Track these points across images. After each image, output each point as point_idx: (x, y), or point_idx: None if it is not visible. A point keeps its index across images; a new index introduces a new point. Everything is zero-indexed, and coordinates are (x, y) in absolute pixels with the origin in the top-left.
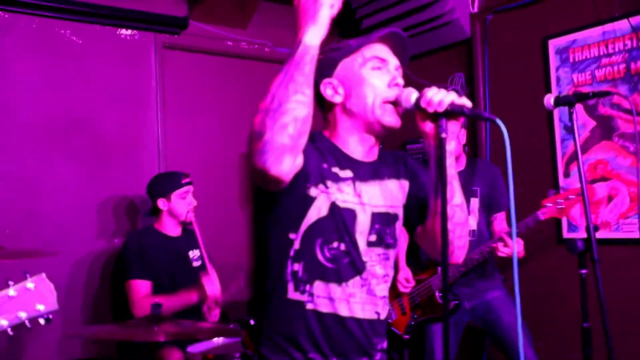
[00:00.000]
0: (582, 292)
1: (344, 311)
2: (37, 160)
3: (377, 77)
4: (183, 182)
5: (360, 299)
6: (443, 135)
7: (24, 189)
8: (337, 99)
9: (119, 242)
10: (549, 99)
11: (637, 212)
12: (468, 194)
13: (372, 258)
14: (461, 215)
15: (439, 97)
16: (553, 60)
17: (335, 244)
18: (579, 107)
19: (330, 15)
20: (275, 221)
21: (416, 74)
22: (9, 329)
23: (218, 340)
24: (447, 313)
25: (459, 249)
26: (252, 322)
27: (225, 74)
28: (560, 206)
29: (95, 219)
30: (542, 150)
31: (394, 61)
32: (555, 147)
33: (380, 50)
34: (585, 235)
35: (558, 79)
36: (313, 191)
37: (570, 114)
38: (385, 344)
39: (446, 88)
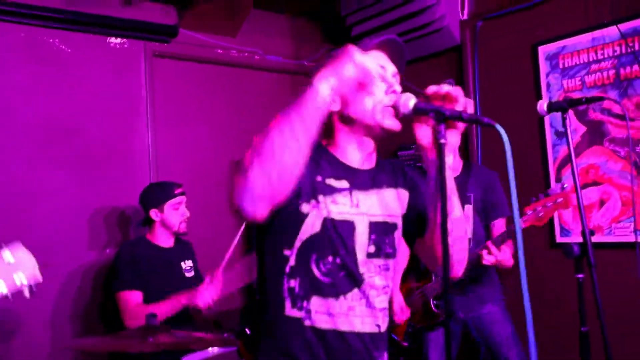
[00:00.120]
0: (579, 296)
1: (343, 326)
2: (27, 170)
3: (374, 84)
4: (176, 192)
5: (360, 312)
6: (442, 141)
7: (13, 199)
8: (334, 107)
9: (110, 253)
10: (542, 105)
11: (629, 217)
12: (462, 200)
13: (370, 269)
14: (460, 229)
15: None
16: (543, 67)
17: (330, 259)
18: (569, 113)
19: (354, 79)
20: (269, 238)
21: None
22: None
23: (213, 350)
24: (448, 324)
25: (458, 263)
26: (248, 331)
27: (215, 82)
28: (540, 214)
29: (85, 229)
30: (534, 156)
31: (391, 68)
32: (546, 153)
33: (378, 57)
34: (578, 239)
35: (548, 85)
36: (305, 207)
37: (564, 119)
38: (386, 356)
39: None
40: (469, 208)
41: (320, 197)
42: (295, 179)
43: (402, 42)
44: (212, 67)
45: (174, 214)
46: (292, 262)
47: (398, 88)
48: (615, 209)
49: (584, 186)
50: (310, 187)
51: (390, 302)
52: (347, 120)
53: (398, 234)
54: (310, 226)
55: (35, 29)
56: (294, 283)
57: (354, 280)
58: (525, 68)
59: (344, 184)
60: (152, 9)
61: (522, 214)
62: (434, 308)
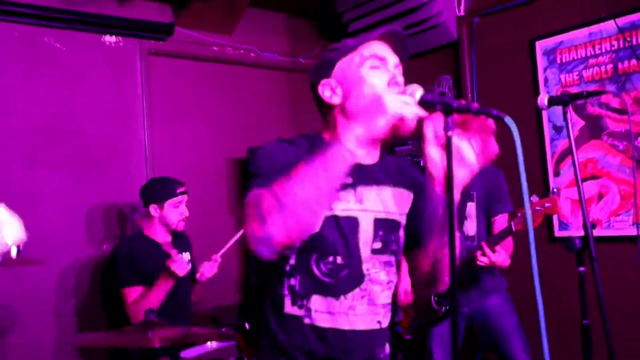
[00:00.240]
0: (580, 289)
1: (344, 324)
2: (23, 168)
3: (376, 76)
4: (178, 191)
5: (361, 311)
6: (449, 133)
7: (10, 197)
8: (336, 100)
9: (107, 250)
10: (543, 99)
11: (627, 210)
12: (465, 198)
13: (375, 265)
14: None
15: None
16: (540, 62)
17: (330, 259)
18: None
19: (386, 130)
20: None
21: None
22: None
23: (212, 345)
24: (456, 322)
25: (444, 284)
26: (247, 325)
27: (211, 80)
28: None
29: (83, 227)
30: (532, 151)
31: (393, 59)
32: (544, 147)
33: (379, 48)
34: (578, 233)
35: (546, 80)
36: None
37: (565, 113)
38: (387, 350)
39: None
40: (471, 206)
41: None
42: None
43: (404, 33)
44: (208, 65)
45: (174, 212)
46: (292, 261)
47: (400, 79)
48: (614, 203)
49: (583, 180)
50: None
51: (396, 285)
52: (348, 114)
53: (402, 232)
54: None
55: (30, 27)
56: (294, 281)
57: (356, 279)
58: (522, 63)
59: (348, 179)
60: (148, 7)
61: (514, 216)
62: (434, 304)
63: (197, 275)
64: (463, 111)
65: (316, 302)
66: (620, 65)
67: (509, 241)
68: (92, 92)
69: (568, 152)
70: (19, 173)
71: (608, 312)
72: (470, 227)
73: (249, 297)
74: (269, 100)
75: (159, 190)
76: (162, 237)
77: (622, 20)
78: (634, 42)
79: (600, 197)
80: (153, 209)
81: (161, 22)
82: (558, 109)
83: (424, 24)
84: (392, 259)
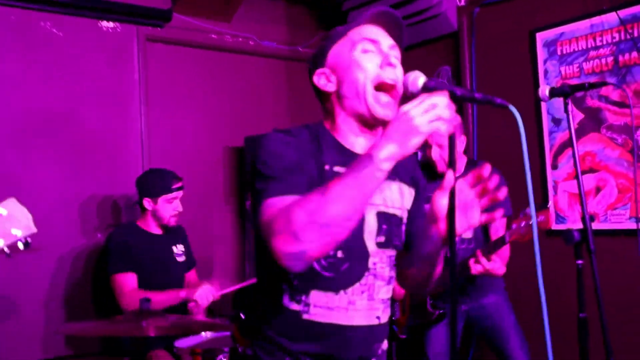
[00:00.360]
0: (578, 282)
1: (342, 320)
2: (17, 156)
3: (367, 60)
4: (173, 187)
5: (360, 306)
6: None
7: (3, 186)
8: (330, 87)
9: (101, 239)
10: (544, 91)
11: (624, 204)
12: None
13: (382, 259)
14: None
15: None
16: (541, 53)
17: (331, 252)
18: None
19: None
20: None
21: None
22: None
23: (206, 335)
24: (455, 323)
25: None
26: (242, 316)
27: (210, 68)
28: (521, 231)
29: (77, 216)
30: (530, 143)
31: (386, 41)
32: (542, 140)
33: (370, 31)
34: (575, 226)
35: (546, 72)
36: None
37: (566, 104)
38: (385, 345)
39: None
40: None
41: None
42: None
43: (395, 12)
44: (206, 53)
45: (167, 208)
46: None
47: (394, 61)
48: (611, 196)
49: (576, 175)
50: (318, 177)
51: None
52: (343, 100)
53: (404, 227)
54: None
55: (26, 12)
56: (293, 276)
57: (356, 273)
58: (522, 55)
59: None
60: None
61: (508, 226)
62: (429, 307)
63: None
64: (467, 100)
65: (315, 297)
66: (620, 58)
67: (505, 249)
68: (88, 78)
69: (566, 145)
70: (12, 160)
71: (605, 306)
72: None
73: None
74: (267, 89)
75: (154, 184)
76: (154, 230)
77: (624, 12)
78: (636, 35)
79: (598, 190)
80: (147, 202)
81: (159, 8)
82: (557, 101)
83: (424, 14)
84: (394, 253)
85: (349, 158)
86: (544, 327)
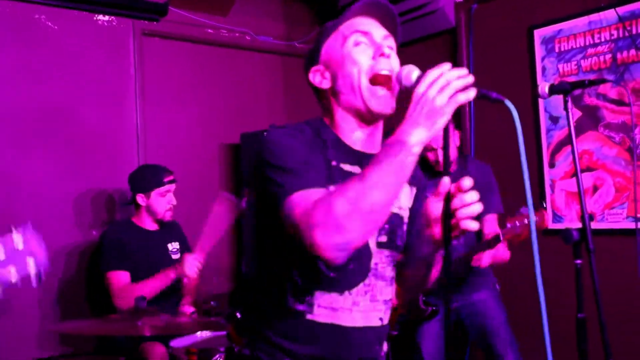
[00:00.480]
0: (576, 282)
1: (346, 321)
2: (12, 150)
3: (360, 52)
4: (165, 180)
5: (364, 307)
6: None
7: None
8: (325, 84)
9: (96, 235)
10: (544, 88)
11: (622, 203)
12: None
13: (382, 260)
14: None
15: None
16: (539, 50)
17: None
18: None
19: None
20: (275, 227)
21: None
22: None
23: (202, 334)
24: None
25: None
26: (238, 315)
27: (206, 62)
28: (516, 230)
29: (72, 212)
30: (527, 141)
31: (379, 32)
32: (540, 138)
33: (361, 23)
34: (572, 225)
35: (544, 69)
36: None
37: (565, 102)
38: (386, 347)
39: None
40: None
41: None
42: None
43: (386, 1)
44: (202, 47)
45: (161, 201)
46: (296, 255)
47: (387, 51)
48: (609, 195)
49: (575, 173)
50: (326, 173)
51: None
52: (339, 96)
53: (405, 227)
54: None
55: (21, 4)
56: (297, 275)
57: (362, 273)
58: (520, 52)
59: (357, 169)
60: None
61: (503, 225)
62: (421, 304)
63: (189, 273)
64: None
65: (319, 297)
66: (619, 55)
67: (503, 250)
68: (83, 72)
69: (563, 143)
70: (6, 155)
71: (603, 306)
72: None
73: (240, 286)
74: (263, 84)
75: (146, 179)
76: (150, 225)
77: (623, 9)
78: (634, 32)
79: (595, 189)
80: (140, 198)
81: (155, 2)
82: (554, 99)
83: (421, 10)
84: (396, 255)
85: (353, 156)
86: (542, 327)
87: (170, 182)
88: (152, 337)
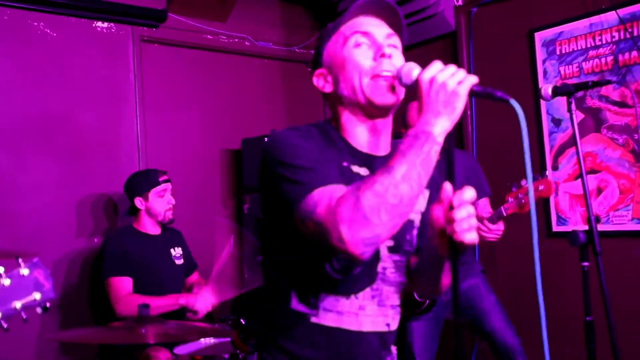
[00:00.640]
0: (584, 285)
1: (351, 325)
2: (12, 157)
3: (360, 54)
4: (160, 179)
5: (371, 311)
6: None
7: None
8: (328, 88)
9: (98, 242)
10: (547, 89)
11: (627, 205)
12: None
13: (391, 265)
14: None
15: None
16: (539, 53)
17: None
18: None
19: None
20: (283, 229)
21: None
22: (2, 322)
23: (206, 341)
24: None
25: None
26: (242, 321)
27: (205, 68)
28: (522, 201)
29: (73, 218)
30: (530, 144)
31: (381, 31)
32: (542, 141)
33: (362, 23)
34: (576, 228)
35: (545, 72)
36: None
37: (569, 103)
38: (394, 352)
39: None
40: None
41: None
42: None
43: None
44: (201, 53)
45: (159, 202)
46: (302, 257)
47: (388, 50)
48: (613, 197)
49: (580, 175)
50: (339, 173)
51: None
52: (343, 99)
53: (416, 232)
54: None
55: (20, 11)
56: (303, 277)
57: (369, 277)
58: (521, 55)
59: (365, 171)
60: None
61: (504, 201)
62: (416, 296)
63: (198, 309)
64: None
65: (325, 300)
66: (620, 57)
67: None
68: (82, 78)
69: (566, 145)
70: (6, 162)
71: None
72: None
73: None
74: (263, 90)
75: (141, 182)
76: (152, 229)
77: (624, 11)
78: (635, 33)
79: (599, 191)
80: (138, 201)
81: (154, 8)
82: (556, 102)
83: (421, 14)
84: (405, 259)
85: (361, 158)
86: (534, 319)
87: (165, 181)
88: (155, 344)
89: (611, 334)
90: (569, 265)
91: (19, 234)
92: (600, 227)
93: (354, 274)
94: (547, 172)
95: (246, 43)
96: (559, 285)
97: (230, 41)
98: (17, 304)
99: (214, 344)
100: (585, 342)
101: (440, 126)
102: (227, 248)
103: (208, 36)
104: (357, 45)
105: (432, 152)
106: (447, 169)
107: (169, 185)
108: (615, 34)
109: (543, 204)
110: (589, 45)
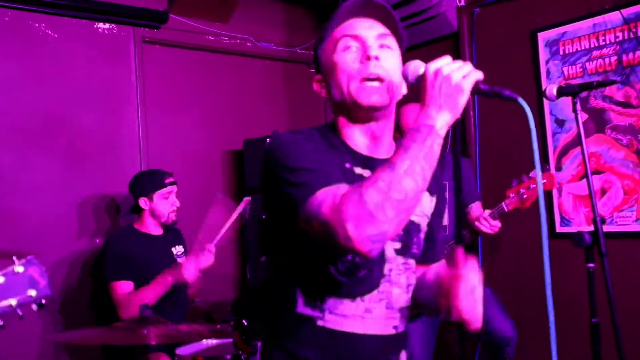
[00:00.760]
0: (589, 286)
1: (358, 328)
2: (14, 158)
3: (348, 58)
4: (166, 181)
5: (378, 314)
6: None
7: (0, 188)
8: (324, 93)
9: (99, 243)
10: (552, 90)
11: (631, 206)
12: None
13: (398, 267)
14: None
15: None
16: (543, 53)
17: (349, 257)
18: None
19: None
20: (288, 231)
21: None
22: None
23: (208, 342)
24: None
25: None
26: (245, 322)
27: (207, 69)
28: (523, 196)
29: (74, 219)
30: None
31: (372, 32)
32: (546, 141)
33: (352, 26)
34: (580, 229)
35: (548, 72)
36: None
37: (574, 103)
38: (403, 357)
39: None
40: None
41: None
42: None
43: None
44: (203, 54)
45: (164, 204)
46: (307, 259)
47: (374, 53)
48: (617, 198)
49: (585, 175)
50: (341, 175)
51: None
52: (336, 105)
53: (422, 235)
54: None
55: (21, 12)
56: (308, 279)
57: (374, 280)
58: (524, 55)
59: (368, 173)
60: None
61: (505, 197)
62: None
63: (187, 278)
64: (473, 91)
65: (330, 303)
66: (624, 57)
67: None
68: (84, 80)
69: (570, 146)
70: (8, 162)
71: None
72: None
73: (245, 293)
74: (264, 91)
75: (147, 182)
76: (154, 230)
77: (628, 11)
78: (639, 33)
79: (603, 192)
80: (143, 202)
81: (155, 9)
82: (560, 102)
83: (423, 14)
84: (412, 262)
85: (363, 160)
86: (538, 320)
87: (171, 183)
88: (157, 345)
89: (616, 335)
90: (572, 266)
91: (20, 234)
92: (605, 228)
93: (359, 277)
94: (548, 166)
95: (248, 44)
96: (562, 285)
97: (232, 42)
98: (12, 301)
99: (216, 345)
100: (591, 344)
101: (442, 120)
102: (237, 209)
103: (210, 37)
104: (346, 48)
105: (434, 145)
106: (454, 174)
107: (174, 188)
108: (619, 34)
109: (546, 205)
110: (592, 46)
